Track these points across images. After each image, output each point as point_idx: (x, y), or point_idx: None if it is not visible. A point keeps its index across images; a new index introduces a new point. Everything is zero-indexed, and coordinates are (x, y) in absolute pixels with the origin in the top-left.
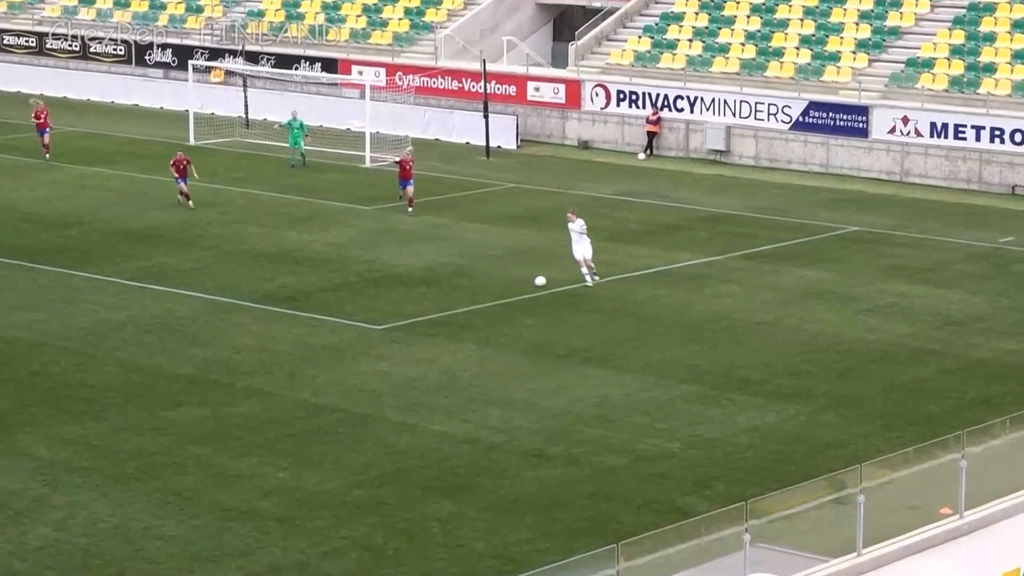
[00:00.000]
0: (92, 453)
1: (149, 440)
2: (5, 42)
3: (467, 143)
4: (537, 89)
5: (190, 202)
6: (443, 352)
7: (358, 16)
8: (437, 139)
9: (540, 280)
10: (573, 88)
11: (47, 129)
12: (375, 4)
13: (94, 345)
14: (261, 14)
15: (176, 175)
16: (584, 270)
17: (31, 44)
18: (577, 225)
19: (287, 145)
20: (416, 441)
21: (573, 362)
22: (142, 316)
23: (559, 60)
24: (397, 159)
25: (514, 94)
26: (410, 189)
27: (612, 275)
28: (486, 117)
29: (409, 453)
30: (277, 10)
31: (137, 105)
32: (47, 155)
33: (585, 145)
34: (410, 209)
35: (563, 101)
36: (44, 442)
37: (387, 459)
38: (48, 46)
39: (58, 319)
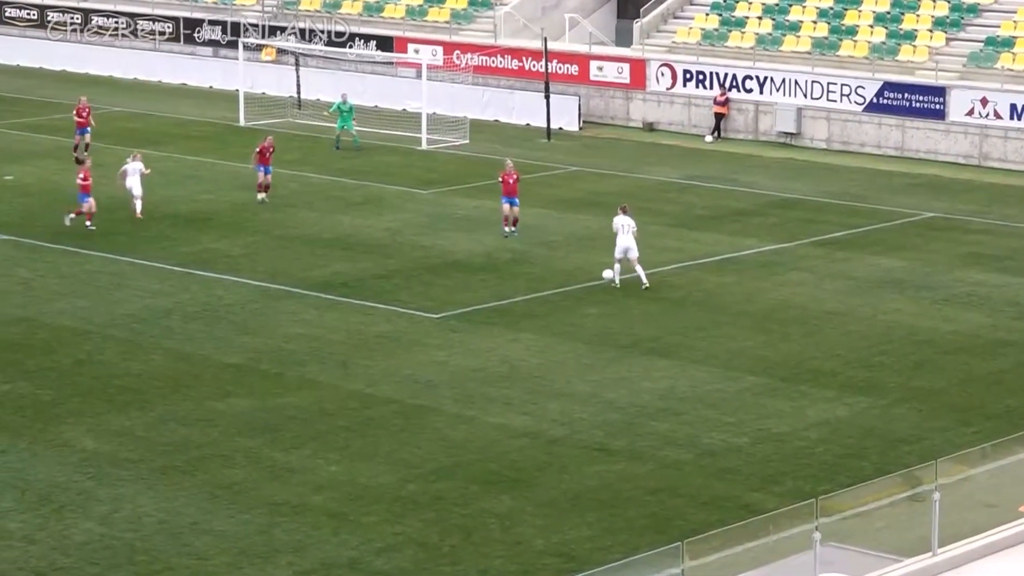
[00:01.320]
0: (138, 445)
1: (197, 432)
2: (49, 19)
3: (527, 125)
4: (600, 68)
5: (266, 196)
6: (502, 342)
7: None
8: (496, 120)
9: (608, 274)
10: (638, 67)
11: (87, 128)
12: None
13: (140, 333)
14: None
15: (258, 163)
16: (619, 268)
17: (76, 21)
18: (624, 221)
19: (333, 125)
20: (474, 434)
21: (637, 353)
22: (190, 303)
23: (623, 38)
24: (499, 177)
25: (576, 74)
26: (515, 209)
27: (678, 262)
28: (547, 98)
29: (466, 446)
30: None
31: (185, 84)
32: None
33: (650, 127)
34: (511, 229)
35: (627, 81)
36: (89, 433)
37: (443, 453)
38: (94, 23)
39: (104, 306)
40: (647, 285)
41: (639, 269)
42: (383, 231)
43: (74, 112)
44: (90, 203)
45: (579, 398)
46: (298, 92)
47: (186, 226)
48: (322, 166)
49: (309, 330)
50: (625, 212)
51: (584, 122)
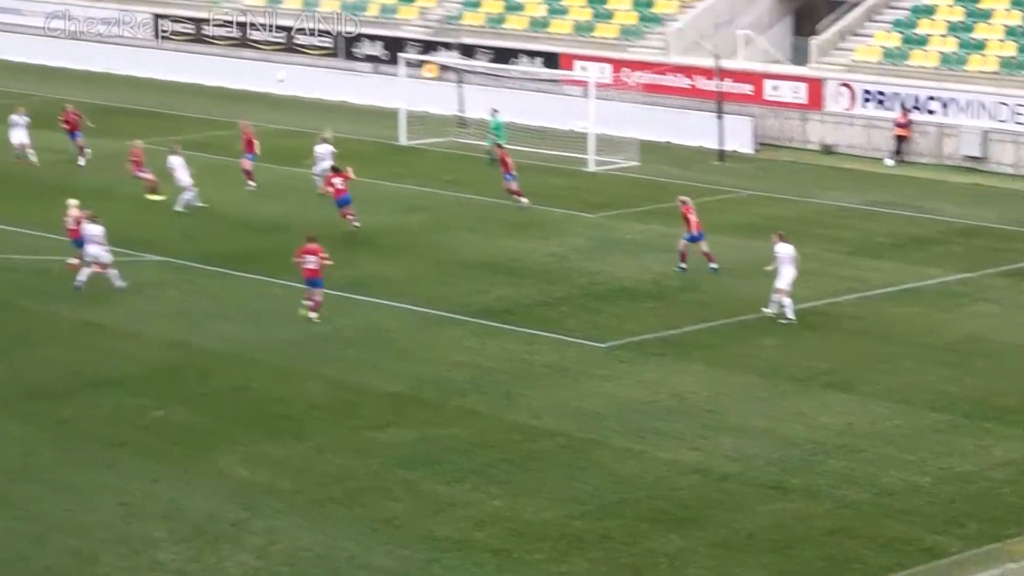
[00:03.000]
0: (294, 475)
1: (355, 462)
2: (205, 33)
3: (699, 146)
4: (775, 88)
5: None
6: (672, 373)
7: (582, 7)
8: (667, 141)
9: (777, 307)
10: (815, 87)
11: (78, 132)
12: None
13: (297, 359)
14: (478, 4)
15: (505, 171)
16: (786, 300)
17: (233, 35)
18: (785, 250)
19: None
20: (642, 469)
21: (814, 386)
22: (349, 329)
23: (800, 56)
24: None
25: (750, 93)
26: (703, 244)
27: (857, 292)
28: (720, 118)
29: (635, 482)
30: (496, 1)
31: (345, 101)
32: (81, 160)
33: (828, 149)
34: (713, 266)
35: (804, 101)
36: (244, 463)
37: (611, 488)
38: (251, 37)
39: (260, 331)
40: (792, 320)
41: (788, 301)
42: (548, 256)
43: (62, 119)
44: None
45: (752, 433)
46: (460, 110)
47: (345, 248)
48: (485, 187)
49: (471, 358)
50: (784, 240)
51: (759, 144)
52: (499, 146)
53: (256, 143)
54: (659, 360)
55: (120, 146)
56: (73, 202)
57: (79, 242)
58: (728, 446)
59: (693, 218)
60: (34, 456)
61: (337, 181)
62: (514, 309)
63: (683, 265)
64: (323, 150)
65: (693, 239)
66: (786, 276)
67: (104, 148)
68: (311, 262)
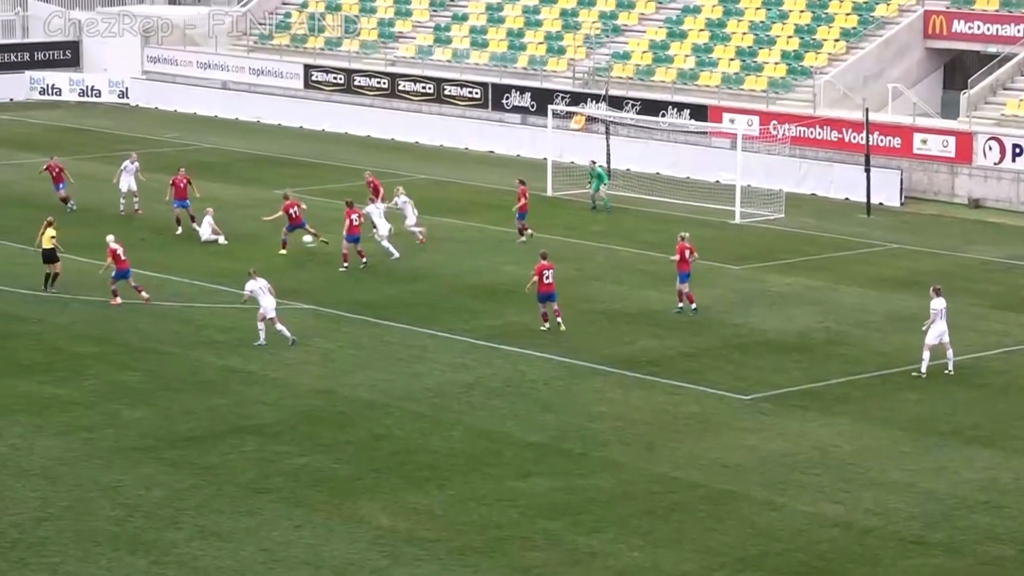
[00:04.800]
0: (435, 524)
1: (496, 512)
2: (356, 83)
3: (846, 199)
4: (924, 141)
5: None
6: (815, 426)
7: (731, 60)
8: (813, 194)
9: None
10: (964, 141)
11: (62, 184)
12: (749, 47)
13: (440, 408)
14: (627, 56)
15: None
16: (928, 356)
17: (383, 86)
18: (939, 304)
19: (648, 197)
20: (783, 522)
21: (958, 441)
22: (491, 378)
23: (949, 110)
24: None
25: (899, 146)
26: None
27: (1002, 347)
28: (868, 171)
29: (775, 535)
30: (644, 52)
31: (492, 152)
32: (69, 206)
33: (976, 204)
34: (693, 307)
35: (953, 155)
36: (385, 510)
37: (751, 541)
38: (400, 88)
39: (403, 379)
40: (949, 372)
41: (949, 354)
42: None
43: (45, 169)
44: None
45: (895, 487)
46: (608, 162)
47: (489, 298)
48: (629, 238)
49: (614, 409)
50: (939, 294)
51: (906, 197)
52: (521, 182)
53: (382, 191)
54: (802, 413)
55: (268, 195)
56: (111, 237)
57: (123, 273)
58: (870, 500)
59: (688, 257)
60: (178, 501)
61: (354, 217)
62: (657, 360)
63: (681, 306)
64: (402, 201)
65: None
66: (935, 330)
67: (253, 196)
68: (548, 277)
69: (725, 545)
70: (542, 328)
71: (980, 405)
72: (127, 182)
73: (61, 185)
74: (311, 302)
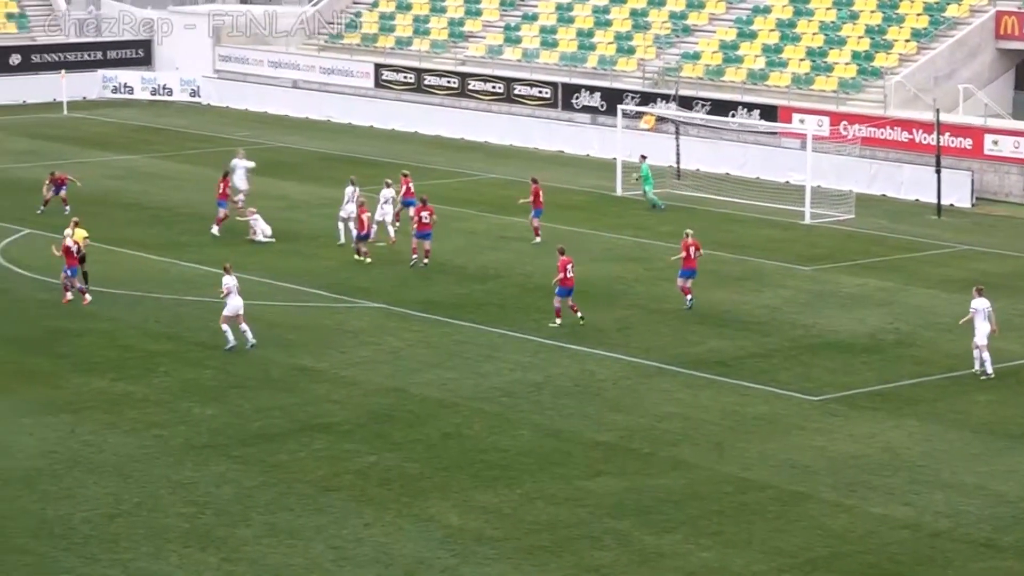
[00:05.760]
0: (504, 522)
1: (565, 511)
2: (426, 82)
3: (916, 200)
4: (995, 142)
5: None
6: (885, 428)
7: (801, 60)
8: (883, 195)
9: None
10: None
11: (64, 186)
12: (819, 47)
13: (509, 407)
14: (697, 56)
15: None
16: (985, 356)
17: (453, 85)
18: (981, 304)
19: (716, 197)
20: (853, 524)
21: None
22: (560, 377)
23: (1021, 111)
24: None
25: (970, 148)
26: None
27: None
28: (938, 172)
29: (845, 537)
30: (714, 52)
31: (562, 152)
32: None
33: None
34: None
35: None
36: (454, 509)
37: (821, 542)
38: (470, 87)
39: (472, 378)
40: (991, 375)
41: (986, 356)
42: (761, 308)
43: (49, 181)
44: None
45: (965, 489)
46: (677, 162)
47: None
48: (700, 238)
49: (682, 409)
50: (982, 294)
51: (976, 199)
52: (534, 181)
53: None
54: (872, 414)
55: (337, 194)
56: (68, 232)
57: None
58: (940, 502)
59: (692, 254)
60: (249, 498)
61: (424, 215)
62: (726, 361)
63: (689, 299)
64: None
65: (691, 274)
66: (981, 331)
67: (323, 195)
68: (571, 272)
69: (794, 546)
70: (552, 325)
71: None
72: (240, 179)
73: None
74: (382, 301)
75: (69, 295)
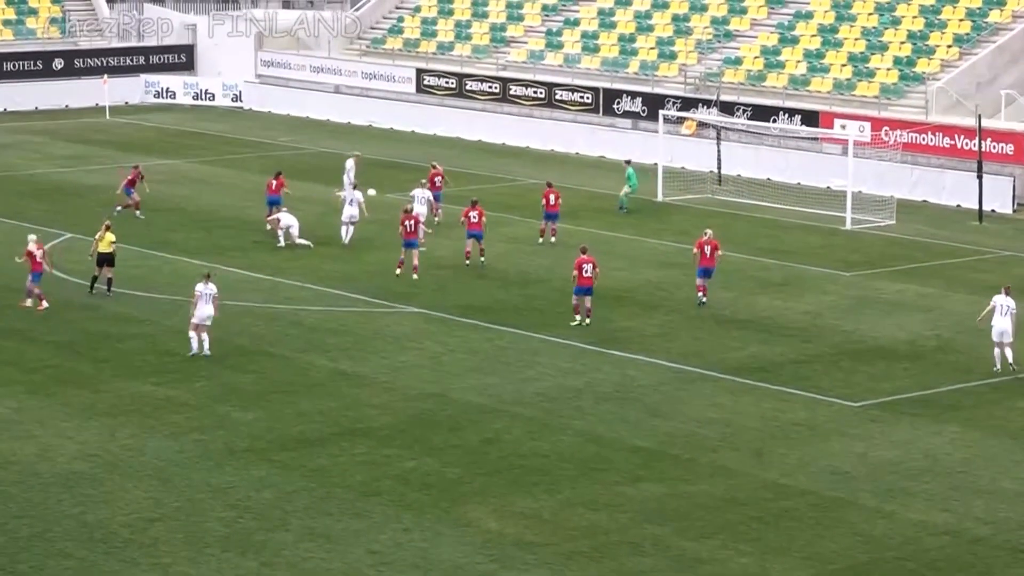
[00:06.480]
0: (544, 528)
1: (604, 517)
2: (468, 88)
3: (958, 206)
4: None
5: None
6: (925, 434)
7: (843, 65)
8: (925, 201)
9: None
10: None
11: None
12: (861, 53)
13: (549, 412)
14: (738, 62)
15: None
16: (999, 353)
17: (494, 90)
18: (1000, 301)
19: (758, 203)
20: (892, 530)
21: None
22: (601, 383)
23: None
24: None
25: (1011, 153)
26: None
27: None
28: (980, 178)
29: (884, 543)
30: (756, 58)
31: (603, 157)
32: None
33: None
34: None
35: None
36: (494, 514)
37: (860, 548)
38: (512, 92)
39: (513, 383)
40: (1014, 368)
41: (1008, 353)
42: (802, 314)
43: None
44: None
45: (1006, 496)
46: (719, 167)
47: (600, 303)
48: (741, 244)
49: (723, 415)
50: (1008, 293)
51: (1018, 204)
52: (549, 185)
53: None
54: (912, 420)
55: (382, 199)
56: (32, 237)
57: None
58: (980, 508)
59: (709, 253)
60: (288, 503)
61: (473, 215)
62: (767, 366)
63: (702, 298)
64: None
65: (705, 273)
66: (998, 326)
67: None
68: (587, 271)
69: (834, 553)
70: (572, 323)
71: None
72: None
73: (131, 190)
74: (422, 306)
75: (28, 302)
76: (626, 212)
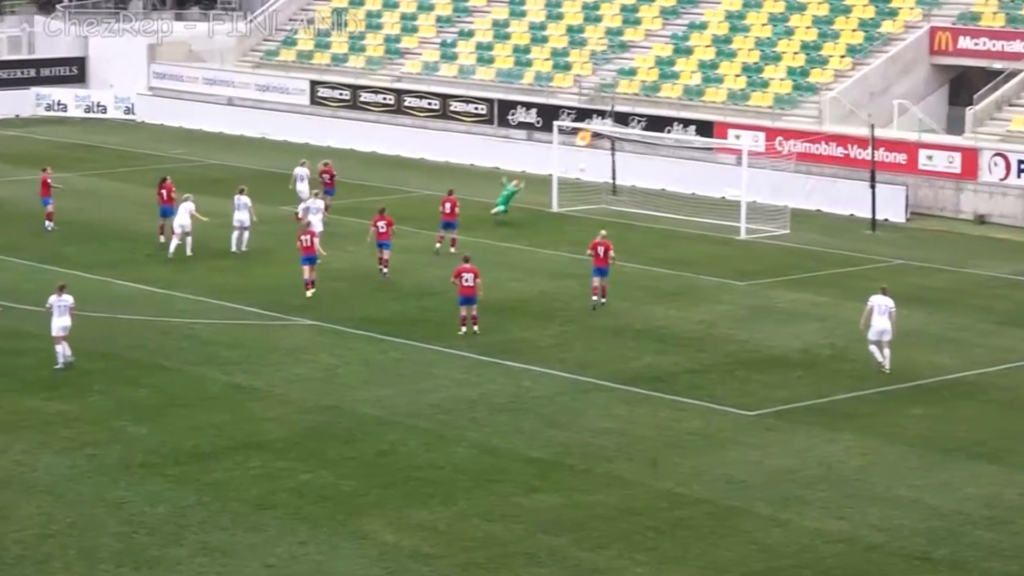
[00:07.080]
0: (440, 540)
1: (500, 528)
2: (362, 99)
3: (851, 215)
4: (930, 157)
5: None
6: (820, 442)
7: (737, 76)
8: (819, 210)
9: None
10: (970, 157)
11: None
12: (755, 63)
13: (445, 424)
14: (633, 72)
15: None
16: (876, 350)
17: (389, 102)
18: (876, 300)
19: (653, 213)
20: (788, 538)
21: (962, 457)
22: (496, 394)
23: (955, 126)
24: None
25: (904, 162)
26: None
27: (1007, 363)
28: (873, 187)
29: (780, 551)
30: (650, 68)
31: (498, 168)
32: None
33: (981, 220)
34: (602, 301)
35: (958, 171)
36: (390, 527)
37: (756, 557)
38: (406, 104)
39: (408, 395)
40: (888, 370)
41: (886, 353)
42: (697, 323)
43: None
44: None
45: (901, 503)
46: (613, 177)
47: (494, 314)
48: (636, 254)
49: (618, 425)
50: (885, 293)
51: (911, 213)
52: (450, 193)
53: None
54: (807, 429)
55: (275, 211)
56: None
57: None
58: (875, 516)
59: (603, 253)
60: (183, 517)
61: (381, 224)
62: (662, 376)
63: (595, 299)
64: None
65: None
66: (876, 326)
67: (259, 212)
68: (468, 280)
69: (730, 561)
70: (459, 333)
71: (985, 421)
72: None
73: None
74: (317, 318)
75: None
76: (505, 213)
